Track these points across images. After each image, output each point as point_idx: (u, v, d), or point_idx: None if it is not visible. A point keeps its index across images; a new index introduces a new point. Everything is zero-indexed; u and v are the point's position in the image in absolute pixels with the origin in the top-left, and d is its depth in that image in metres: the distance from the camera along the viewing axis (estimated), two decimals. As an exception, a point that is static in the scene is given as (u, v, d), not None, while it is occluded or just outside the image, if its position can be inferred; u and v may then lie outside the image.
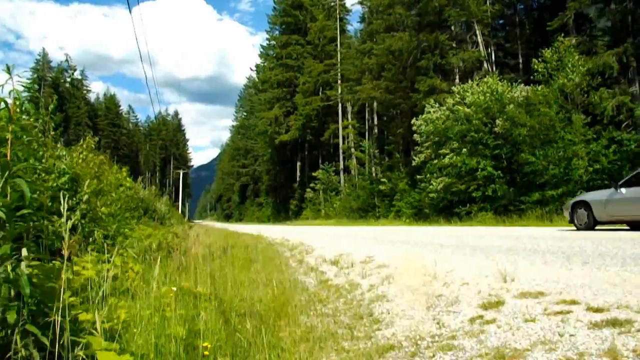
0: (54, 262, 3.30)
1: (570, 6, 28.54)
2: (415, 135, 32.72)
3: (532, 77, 26.62)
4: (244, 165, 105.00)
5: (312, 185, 59.17)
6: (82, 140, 11.55)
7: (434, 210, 29.73)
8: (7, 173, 2.77)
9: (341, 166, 57.09)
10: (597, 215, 13.73)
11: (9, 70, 3.13)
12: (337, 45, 60.73)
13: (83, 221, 6.51)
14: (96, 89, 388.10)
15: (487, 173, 25.56)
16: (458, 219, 26.18)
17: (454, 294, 4.98)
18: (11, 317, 2.39)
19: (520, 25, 40.59)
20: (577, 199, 14.95)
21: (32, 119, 6.13)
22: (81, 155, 10.09)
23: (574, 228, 14.41)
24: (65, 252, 2.71)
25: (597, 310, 3.73)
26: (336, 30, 61.41)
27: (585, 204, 14.16)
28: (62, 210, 2.70)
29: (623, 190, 13.13)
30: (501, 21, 42.07)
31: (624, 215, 13.42)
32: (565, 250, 7.29)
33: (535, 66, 25.61)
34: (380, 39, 44.14)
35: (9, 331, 2.41)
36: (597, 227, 13.85)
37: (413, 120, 32.25)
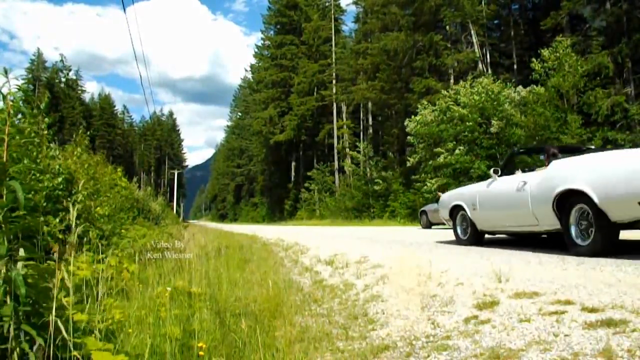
0: (48, 262, 3.30)
1: (564, 6, 28.57)
2: (408, 137, 32.63)
3: (530, 77, 26.65)
4: (238, 165, 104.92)
5: (306, 185, 59.16)
6: (74, 136, 11.54)
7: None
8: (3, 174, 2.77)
9: (336, 166, 57.07)
10: (431, 219, 20.36)
11: (6, 74, 3.13)
12: (331, 45, 60.72)
13: (78, 221, 6.50)
14: (90, 89, 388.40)
15: (481, 172, 25.61)
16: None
17: (448, 294, 4.98)
18: (5, 311, 2.39)
19: (515, 26, 40.67)
20: (422, 209, 21.99)
21: (26, 121, 6.12)
22: (75, 153, 10.08)
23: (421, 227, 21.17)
24: (71, 252, 2.71)
25: (592, 310, 3.73)
26: (331, 30, 61.39)
27: (425, 212, 21.23)
28: (61, 212, 2.71)
29: (436, 205, 17.81)
30: (496, 21, 42.13)
31: (439, 220, 17.59)
32: (560, 250, 7.31)
33: (534, 66, 25.63)
34: (375, 39, 44.21)
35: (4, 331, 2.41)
36: (432, 227, 20.56)
37: (406, 122, 32.17)
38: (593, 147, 10.11)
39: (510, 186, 8.09)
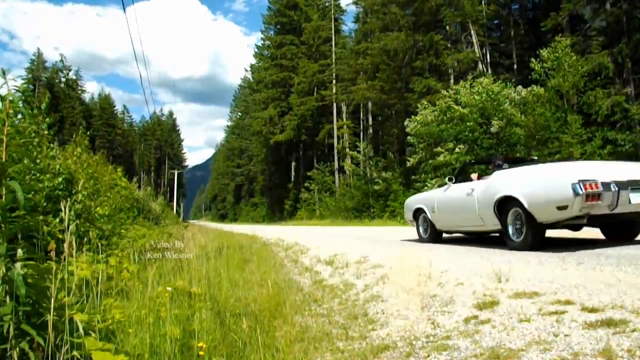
0: (48, 262, 3.30)
1: (564, 7, 28.53)
2: (408, 137, 32.54)
3: (529, 77, 26.55)
4: (238, 165, 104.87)
5: (306, 185, 59.04)
6: (74, 136, 11.56)
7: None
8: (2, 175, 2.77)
9: (336, 166, 56.96)
10: None
11: (4, 74, 3.13)
12: (331, 45, 60.61)
13: (78, 221, 6.50)
14: (90, 89, 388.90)
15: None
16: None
17: (448, 294, 4.99)
18: (6, 309, 2.39)
19: (515, 26, 40.65)
20: None
21: (26, 121, 6.12)
22: (75, 153, 10.10)
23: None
24: (67, 252, 2.71)
25: (592, 310, 3.74)
26: (331, 30, 61.28)
27: None
28: (61, 212, 2.71)
29: None
30: (496, 21, 42.10)
31: None
32: (560, 250, 7.31)
33: (533, 65, 25.58)
34: (375, 39, 44.17)
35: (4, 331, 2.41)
36: None
37: (406, 122, 32.09)
38: (535, 158, 12.31)
39: (462, 192, 9.42)
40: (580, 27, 32.03)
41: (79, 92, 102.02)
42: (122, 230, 8.98)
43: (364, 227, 28.18)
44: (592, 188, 6.62)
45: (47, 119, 7.39)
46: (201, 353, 3.35)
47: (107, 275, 4.67)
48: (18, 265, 2.50)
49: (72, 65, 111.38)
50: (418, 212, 11.22)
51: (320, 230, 26.49)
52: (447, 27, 37.13)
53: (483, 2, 35.77)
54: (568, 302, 4.01)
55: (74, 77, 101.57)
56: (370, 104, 50.84)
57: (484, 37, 37.00)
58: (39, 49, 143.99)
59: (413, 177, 32.43)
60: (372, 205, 39.86)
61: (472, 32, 34.28)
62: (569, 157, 21.63)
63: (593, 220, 7.33)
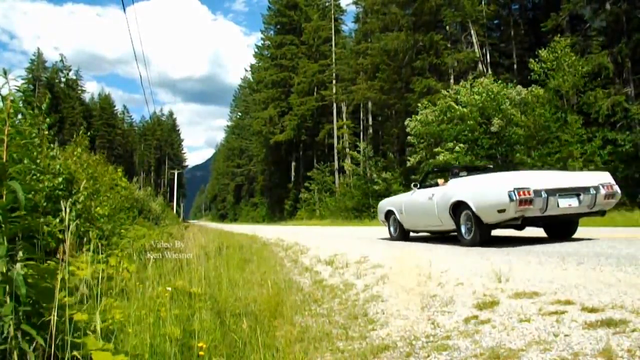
0: (49, 262, 3.30)
1: (564, 7, 28.51)
2: (409, 137, 32.51)
3: (528, 77, 26.49)
4: (238, 165, 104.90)
5: (306, 185, 58.97)
6: (74, 136, 11.57)
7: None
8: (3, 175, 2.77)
9: (336, 166, 56.92)
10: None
11: (5, 75, 3.13)
12: (331, 45, 60.58)
13: (78, 221, 6.50)
14: (90, 89, 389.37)
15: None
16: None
17: (448, 294, 4.99)
18: (6, 309, 2.39)
19: (515, 26, 40.63)
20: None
21: (27, 122, 6.12)
22: (75, 153, 10.10)
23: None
24: (68, 253, 2.71)
25: (592, 310, 3.73)
26: (331, 30, 61.25)
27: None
28: (61, 212, 2.70)
29: None
30: (496, 21, 42.07)
31: None
32: (560, 250, 7.31)
33: (532, 66, 25.52)
34: (375, 39, 44.17)
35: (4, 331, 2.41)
36: None
37: (406, 122, 32.08)
38: (491, 166, 14.04)
39: (425, 197, 10.65)
40: (580, 27, 31.99)
41: (79, 92, 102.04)
42: (122, 230, 8.98)
43: (364, 227, 28.14)
44: (524, 195, 7.78)
45: (48, 119, 7.39)
46: (201, 353, 3.36)
47: (107, 275, 4.66)
48: (18, 265, 2.50)
49: (72, 65, 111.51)
50: (389, 214, 12.47)
51: (320, 230, 26.49)
52: (447, 27, 37.14)
53: (483, 2, 35.76)
54: (568, 302, 4.01)
55: (74, 77, 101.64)
56: (370, 104, 50.84)
57: (484, 37, 37.00)
58: (39, 49, 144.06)
59: (413, 177, 32.35)
60: (372, 205, 39.73)
61: (472, 32, 34.28)
62: (569, 157, 21.63)
63: (528, 222, 8.62)
